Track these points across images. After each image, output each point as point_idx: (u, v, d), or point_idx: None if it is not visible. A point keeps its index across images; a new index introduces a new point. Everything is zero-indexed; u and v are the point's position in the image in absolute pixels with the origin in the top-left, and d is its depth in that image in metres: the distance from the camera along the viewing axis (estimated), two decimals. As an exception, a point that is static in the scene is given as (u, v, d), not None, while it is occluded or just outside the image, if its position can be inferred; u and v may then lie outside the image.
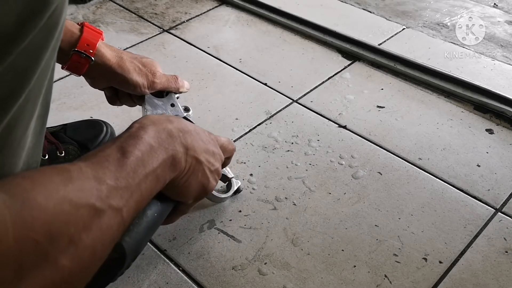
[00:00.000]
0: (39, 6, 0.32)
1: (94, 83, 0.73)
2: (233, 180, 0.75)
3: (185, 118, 0.68)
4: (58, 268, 0.33)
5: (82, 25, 0.66)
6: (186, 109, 0.77)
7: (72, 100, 0.97)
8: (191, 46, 1.14)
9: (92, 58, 0.65)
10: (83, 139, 0.80)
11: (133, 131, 0.46)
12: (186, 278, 0.66)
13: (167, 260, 0.68)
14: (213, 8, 1.29)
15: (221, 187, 0.77)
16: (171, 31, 1.20)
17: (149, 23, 1.22)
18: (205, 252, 0.69)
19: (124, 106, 0.78)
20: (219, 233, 0.72)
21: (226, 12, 1.27)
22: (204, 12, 1.27)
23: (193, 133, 0.53)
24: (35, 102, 0.37)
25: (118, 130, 0.86)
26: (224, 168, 0.74)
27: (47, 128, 0.81)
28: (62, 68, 0.66)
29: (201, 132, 0.55)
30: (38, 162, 0.43)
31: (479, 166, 0.83)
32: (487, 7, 1.31)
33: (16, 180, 0.33)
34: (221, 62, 1.09)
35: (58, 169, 0.36)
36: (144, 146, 0.44)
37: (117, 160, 0.41)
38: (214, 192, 0.72)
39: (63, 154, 0.76)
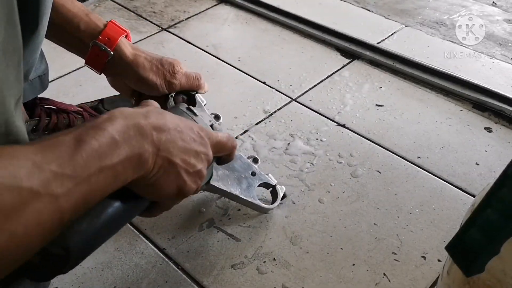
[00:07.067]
0: None
1: (113, 82, 0.72)
2: (278, 187, 0.73)
3: (211, 126, 0.64)
4: None
5: (108, 22, 0.67)
6: (217, 117, 0.70)
7: (71, 98, 0.96)
8: (190, 44, 1.14)
9: (111, 52, 0.65)
10: None
11: (98, 121, 0.42)
12: (185, 276, 0.66)
13: (166, 259, 0.68)
14: (212, 7, 1.29)
15: (263, 194, 0.75)
16: (170, 29, 1.19)
17: (148, 22, 1.22)
18: (204, 251, 0.69)
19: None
20: (218, 231, 0.72)
21: (225, 10, 1.27)
22: (203, 11, 1.27)
23: (172, 132, 0.49)
24: None
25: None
26: (266, 175, 0.73)
27: (86, 103, 0.83)
28: (85, 63, 0.67)
29: (185, 130, 0.51)
30: (18, 95, 0.42)
31: (477, 164, 0.83)
32: (485, 5, 1.31)
33: None
34: (220, 61, 1.09)
35: None
36: (105, 138, 0.41)
37: (70, 148, 0.38)
38: (260, 203, 0.71)
39: None
